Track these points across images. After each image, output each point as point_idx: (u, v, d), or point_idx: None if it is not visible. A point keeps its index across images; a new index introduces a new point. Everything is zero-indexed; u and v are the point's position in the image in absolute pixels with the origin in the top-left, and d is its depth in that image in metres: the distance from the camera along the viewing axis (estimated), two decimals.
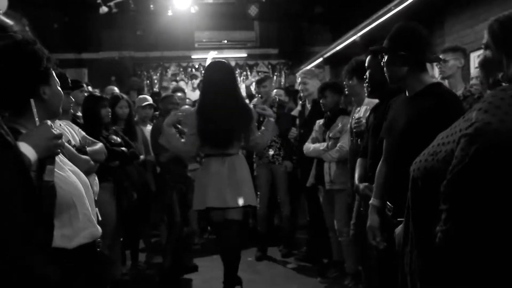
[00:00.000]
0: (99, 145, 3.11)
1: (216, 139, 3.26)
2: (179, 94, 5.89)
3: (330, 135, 3.91)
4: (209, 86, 3.32)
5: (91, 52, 9.61)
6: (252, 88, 8.93)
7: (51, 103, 1.53)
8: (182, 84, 9.35)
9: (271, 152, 4.88)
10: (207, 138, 3.27)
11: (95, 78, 8.88)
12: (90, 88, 5.48)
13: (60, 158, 1.56)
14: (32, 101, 1.39)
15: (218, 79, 3.30)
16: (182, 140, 3.38)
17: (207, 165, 3.32)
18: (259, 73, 10.43)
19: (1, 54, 1.41)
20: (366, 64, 2.75)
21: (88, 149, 2.93)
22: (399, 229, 1.71)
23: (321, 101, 4.08)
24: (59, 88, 1.59)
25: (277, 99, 5.14)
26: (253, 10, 8.21)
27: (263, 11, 8.52)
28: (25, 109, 1.43)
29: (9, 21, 7.13)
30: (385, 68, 2.11)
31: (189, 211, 4.43)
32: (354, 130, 3.20)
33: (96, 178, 3.06)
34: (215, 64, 3.50)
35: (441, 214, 1.24)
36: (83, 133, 3.14)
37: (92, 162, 2.87)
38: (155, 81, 10.08)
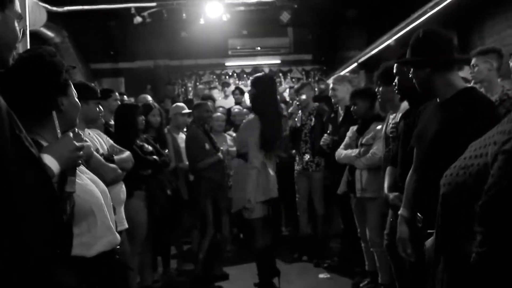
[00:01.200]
0: (126, 153, 3.15)
1: (274, 144, 3.89)
2: (208, 103, 5.96)
3: (363, 141, 3.88)
4: (270, 97, 3.86)
5: (127, 62, 9.87)
6: (286, 94, 8.95)
7: (69, 114, 1.56)
8: (215, 92, 9.41)
9: (307, 157, 4.96)
10: (267, 144, 3.81)
11: (132, 87, 9.10)
12: (125, 97, 5.58)
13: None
14: (54, 113, 1.42)
15: (273, 91, 3.97)
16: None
17: (264, 166, 3.82)
18: (293, 80, 10.42)
19: (23, 66, 1.45)
20: (394, 71, 2.70)
21: (115, 157, 2.97)
22: (429, 242, 1.65)
23: (352, 108, 4.05)
24: (77, 100, 1.63)
25: (315, 107, 5.12)
26: (285, 16, 8.19)
27: (296, 17, 8.49)
28: (46, 121, 1.47)
29: (49, 33, 7.45)
30: (411, 75, 2.06)
31: (222, 218, 4.50)
32: (391, 135, 3.13)
33: (123, 186, 3.10)
34: (266, 76, 4.14)
35: (475, 233, 1.20)
36: (111, 142, 3.19)
37: (119, 171, 2.90)
38: (190, 88, 10.22)
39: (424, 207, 1.96)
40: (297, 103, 5.19)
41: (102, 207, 1.59)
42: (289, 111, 5.37)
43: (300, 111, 5.16)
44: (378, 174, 3.54)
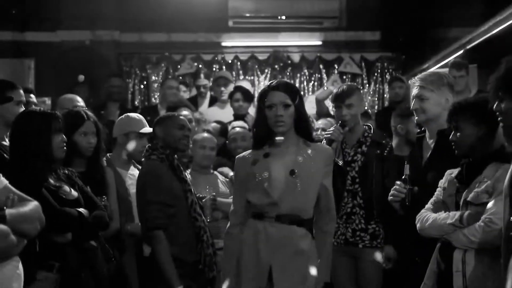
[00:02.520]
0: (31, 205, 3.16)
1: None
2: (184, 112, 5.98)
3: (469, 198, 3.89)
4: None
5: (43, 31, 10.06)
6: (330, 103, 8.96)
7: None
8: (205, 91, 9.41)
9: (355, 222, 5.11)
10: None
11: (48, 78, 9.20)
12: (32, 96, 5.67)
13: None
14: None
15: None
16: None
17: None
18: (344, 77, 10.43)
19: None
20: None
21: (8, 212, 2.98)
22: None
23: (450, 137, 4.07)
24: None
25: (368, 130, 5.27)
26: None
27: None
28: None
29: None
30: None
31: None
32: None
33: (20, 266, 3.10)
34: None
35: None
36: (5, 182, 3.20)
37: (12, 237, 2.92)
38: (155, 85, 10.29)
39: None
40: (339, 121, 5.24)
41: None
42: (325, 135, 5.39)
43: (341, 136, 5.19)
44: (495, 262, 3.51)
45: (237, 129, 6.48)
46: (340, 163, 5.19)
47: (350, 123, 5.19)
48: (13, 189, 3.21)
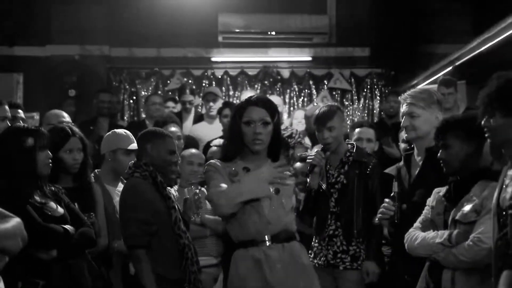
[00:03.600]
0: (13, 221, 3.12)
1: None
2: (172, 129, 6.05)
3: (457, 216, 3.88)
4: None
5: (32, 46, 10.05)
6: None
7: None
8: (191, 107, 9.37)
9: (336, 244, 5.07)
10: None
11: (36, 92, 9.17)
12: (20, 112, 5.65)
13: None
14: None
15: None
16: None
17: None
18: (334, 93, 10.44)
19: None
20: None
21: None
22: None
23: (439, 155, 4.06)
24: None
25: (351, 149, 5.23)
26: None
27: None
28: None
29: None
30: None
31: None
32: (511, 212, 3.14)
33: (1, 284, 3.10)
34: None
35: None
36: None
37: None
38: (143, 100, 10.26)
39: None
40: (322, 144, 5.22)
41: None
42: (308, 159, 5.36)
43: (323, 161, 5.18)
44: (485, 281, 3.53)
45: (214, 148, 6.38)
46: (323, 186, 5.21)
47: (333, 146, 5.18)
48: None
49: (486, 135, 3.47)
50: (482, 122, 3.43)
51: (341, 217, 5.12)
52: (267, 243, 3.91)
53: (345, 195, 5.14)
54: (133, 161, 4.75)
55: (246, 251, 3.93)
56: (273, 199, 3.93)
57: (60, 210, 4.00)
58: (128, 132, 5.40)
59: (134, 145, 5.09)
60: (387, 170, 4.98)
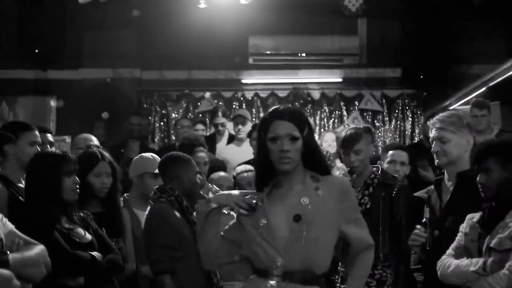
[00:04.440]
0: (37, 249, 3.15)
1: None
2: (199, 154, 6.16)
3: (492, 244, 3.83)
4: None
5: (65, 69, 10.16)
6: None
7: None
8: (223, 129, 9.36)
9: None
10: None
11: (69, 115, 9.24)
12: (49, 136, 5.66)
13: None
14: None
15: None
16: None
17: None
18: (365, 114, 10.38)
19: None
20: None
21: (12, 256, 2.97)
22: None
23: (478, 180, 4.00)
24: None
25: (376, 172, 5.19)
26: (353, 1, 8.28)
27: (372, 2, 8.57)
28: None
29: None
30: None
31: None
32: None
33: None
34: None
35: None
36: (11, 227, 3.21)
37: (16, 282, 2.90)
38: (173, 123, 10.25)
39: None
40: (351, 165, 5.18)
41: None
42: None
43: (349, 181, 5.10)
44: None
45: (244, 174, 6.26)
46: None
47: (359, 169, 5.15)
48: (19, 233, 3.23)
49: None
50: None
51: None
52: (274, 279, 3.28)
53: (369, 217, 4.99)
54: (158, 186, 4.76)
55: (257, 281, 3.39)
56: (291, 227, 3.27)
57: (88, 236, 4.01)
58: (155, 156, 5.44)
59: None
60: (417, 194, 4.93)
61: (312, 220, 3.27)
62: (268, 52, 10.45)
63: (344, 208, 3.40)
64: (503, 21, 9.70)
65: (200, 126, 9.05)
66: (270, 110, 3.50)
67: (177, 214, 4.63)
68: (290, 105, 3.49)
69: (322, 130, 10.24)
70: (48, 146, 5.41)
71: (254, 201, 3.39)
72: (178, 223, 4.57)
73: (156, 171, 5.13)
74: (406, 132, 10.56)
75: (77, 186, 4.05)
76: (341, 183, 3.49)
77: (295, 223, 3.26)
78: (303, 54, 10.42)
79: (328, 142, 8.36)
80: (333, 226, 3.38)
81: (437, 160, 4.66)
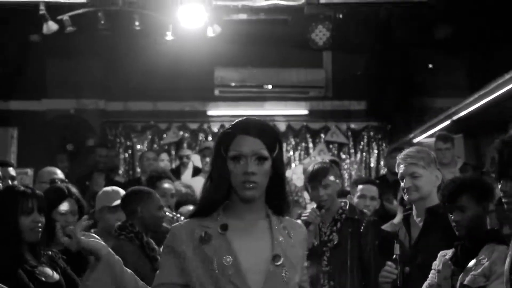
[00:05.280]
0: None
1: None
2: (165, 185, 6.04)
3: (466, 281, 3.80)
4: None
5: (27, 100, 10.07)
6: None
7: None
8: (188, 161, 9.35)
9: None
10: None
11: (31, 147, 9.10)
12: (10, 170, 5.55)
13: None
14: None
15: None
16: None
17: None
18: (331, 146, 10.41)
19: None
20: None
21: None
22: None
23: (452, 218, 3.99)
24: None
25: (344, 207, 5.12)
26: (320, 35, 8.32)
27: (339, 36, 8.62)
28: None
29: None
30: None
31: None
32: None
33: None
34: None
35: None
36: None
37: None
38: (138, 154, 10.21)
39: None
40: (319, 200, 5.05)
41: None
42: (302, 216, 5.24)
43: (318, 218, 5.03)
44: None
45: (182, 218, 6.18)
46: (316, 243, 5.09)
47: (328, 204, 5.06)
48: None
49: (504, 200, 3.39)
50: (499, 186, 3.35)
51: (334, 277, 4.99)
52: None
53: (337, 254, 5.03)
54: (119, 223, 4.68)
55: None
56: (267, 269, 2.64)
57: (56, 276, 3.88)
58: (116, 188, 5.36)
59: (118, 202, 5.01)
60: (383, 227, 4.98)
61: (288, 262, 2.70)
62: (234, 84, 10.47)
63: (303, 258, 2.88)
64: (467, 55, 9.83)
65: (164, 156, 9.04)
66: (234, 122, 2.78)
67: (137, 251, 4.56)
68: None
69: (289, 162, 10.25)
70: (10, 180, 5.30)
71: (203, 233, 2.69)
72: (136, 260, 4.40)
73: (115, 203, 5.06)
74: (371, 165, 10.66)
75: (39, 224, 3.86)
76: (304, 231, 2.95)
77: (273, 264, 2.67)
78: (269, 86, 10.47)
79: (297, 175, 8.36)
80: (299, 272, 2.80)
81: (408, 196, 4.62)
